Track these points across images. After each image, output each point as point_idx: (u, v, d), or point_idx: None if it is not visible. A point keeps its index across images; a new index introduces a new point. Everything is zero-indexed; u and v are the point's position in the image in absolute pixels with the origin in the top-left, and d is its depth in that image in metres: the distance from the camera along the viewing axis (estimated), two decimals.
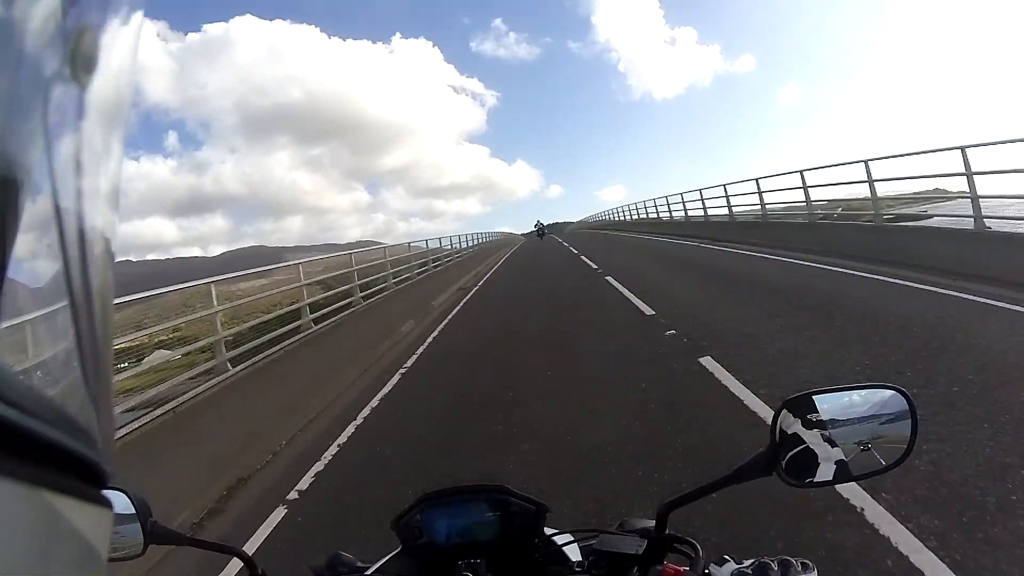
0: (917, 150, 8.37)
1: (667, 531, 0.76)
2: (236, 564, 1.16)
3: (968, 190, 6.91)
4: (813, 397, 0.71)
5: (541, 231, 47.42)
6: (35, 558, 0.23)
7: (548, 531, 0.82)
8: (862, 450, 0.70)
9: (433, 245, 17.47)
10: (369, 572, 0.83)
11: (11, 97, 0.23)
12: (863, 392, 0.73)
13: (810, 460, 0.69)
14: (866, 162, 8.73)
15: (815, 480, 0.70)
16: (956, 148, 6.86)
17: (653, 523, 0.78)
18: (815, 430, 0.70)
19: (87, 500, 0.27)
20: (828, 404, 0.71)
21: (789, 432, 0.70)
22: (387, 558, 0.84)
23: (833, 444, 0.69)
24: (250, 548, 2.91)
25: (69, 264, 0.26)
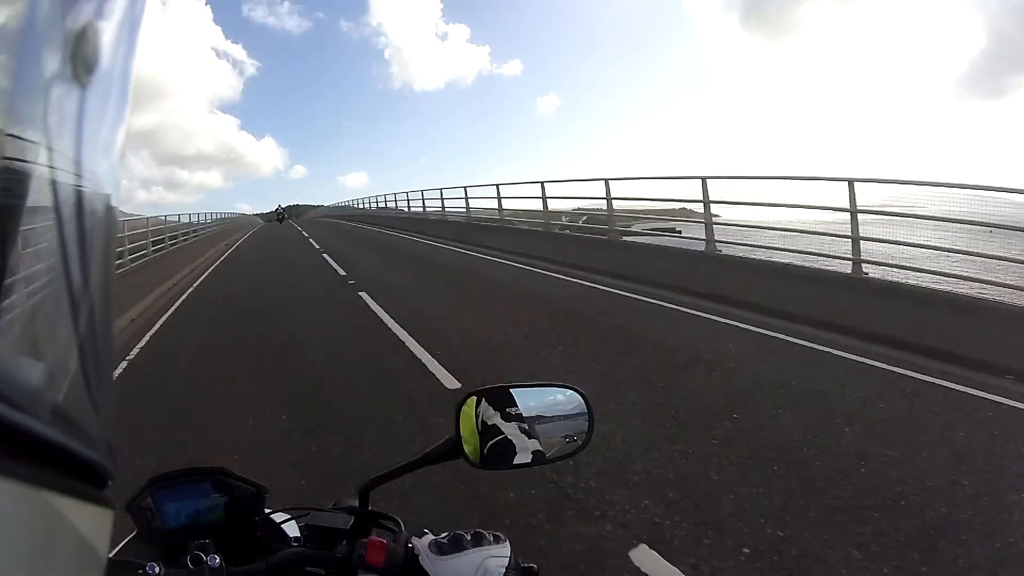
0: (663, 175, 9.86)
1: (370, 508, 0.84)
2: None
3: (703, 215, 7.86)
4: (511, 391, 0.80)
5: (281, 216, 47.35)
6: (35, 558, 0.23)
7: (268, 510, 0.85)
8: (563, 438, 0.81)
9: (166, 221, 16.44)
10: (110, 556, 0.83)
11: (11, 97, 0.23)
12: (551, 389, 0.84)
13: (508, 448, 0.78)
14: (607, 180, 9.63)
15: (513, 463, 0.79)
16: (698, 177, 7.88)
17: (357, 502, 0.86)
18: (513, 423, 0.79)
19: (87, 500, 0.28)
20: (523, 399, 0.80)
21: (490, 423, 0.79)
22: (123, 543, 0.85)
23: (530, 435, 0.79)
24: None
25: (69, 264, 0.26)
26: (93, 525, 0.28)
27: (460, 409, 0.79)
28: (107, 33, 0.27)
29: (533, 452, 0.79)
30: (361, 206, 34.48)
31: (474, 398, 0.80)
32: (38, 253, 0.25)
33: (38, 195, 0.24)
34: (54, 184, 0.25)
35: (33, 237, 0.24)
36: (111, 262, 0.31)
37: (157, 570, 0.75)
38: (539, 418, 0.80)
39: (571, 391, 0.83)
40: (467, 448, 0.79)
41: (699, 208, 7.92)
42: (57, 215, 0.25)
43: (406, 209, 22.19)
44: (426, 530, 0.79)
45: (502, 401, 0.80)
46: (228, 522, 0.80)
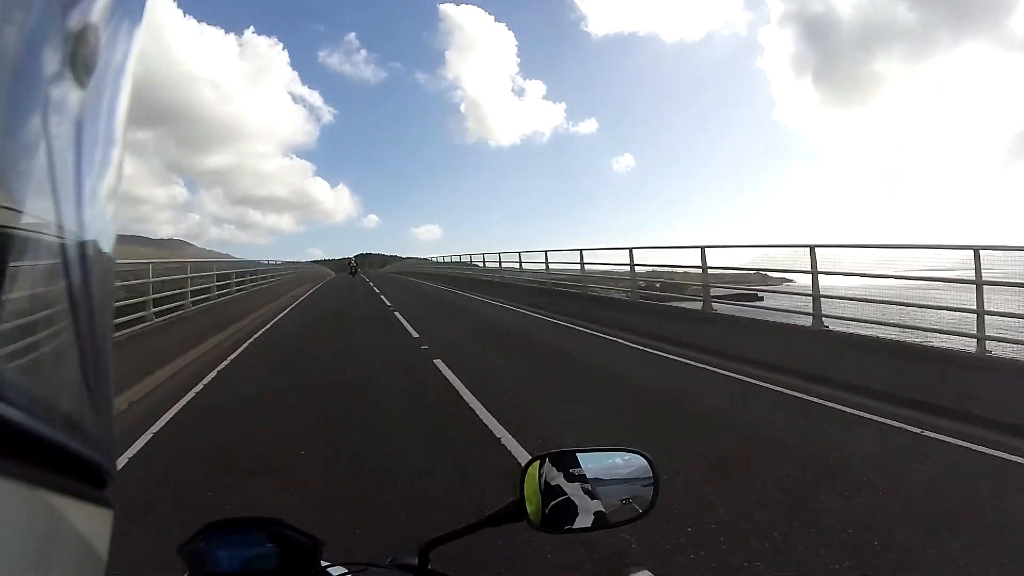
0: (744, 243, 9.75)
1: (429, 567, 0.84)
2: None
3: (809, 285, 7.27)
4: (577, 455, 0.81)
5: (353, 270, 49.04)
6: (35, 558, 0.24)
7: (324, 563, 0.85)
8: (622, 502, 0.80)
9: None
10: None
11: (11, 97, 0.23)
12: (618, 453, 0.84)
13: (569, 510, 0.78)
14: (702, 248, 9.19)
15: (573, 527, 0.79)
16: (805, 246, 7.26)
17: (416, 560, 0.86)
18: (576, 484, 0.79)
19: (87, 500, 0.28)
20: (588, 463, 0.80)
21: (553, 484, 0.79)
22: None
23: (593, 496, 0.78)
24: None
25: (69, 264, 0.26)
26: (93, 525, 0.28)
27: (525, 472, 0.80)
28: (107, 33, 0.27)
29: (595, 514, 0.78)
30: (438, 259, 35.44)
31: (538, 461, 0.81)
32: (39, 255, 0.25)
33: (37, 195, 0.24)
34: (54, 184, 0.25)
35: (32, 237, 0.25)
36: (111, 263, 0.32)
37: None
38: (603, 481, 0.80)
39: (637, 455, 0.84)
40: (529, 509, 0.79)
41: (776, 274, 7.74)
42: (57, 215, 0.25)
43: (480, 264, 22.39)
44: None
45: (567, 463, 0.80)
46: (281, 573, 0.80)
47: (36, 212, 0.24)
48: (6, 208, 0.23)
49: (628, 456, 0.84)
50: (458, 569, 0.89)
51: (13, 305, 0.24)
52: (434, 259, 37.90)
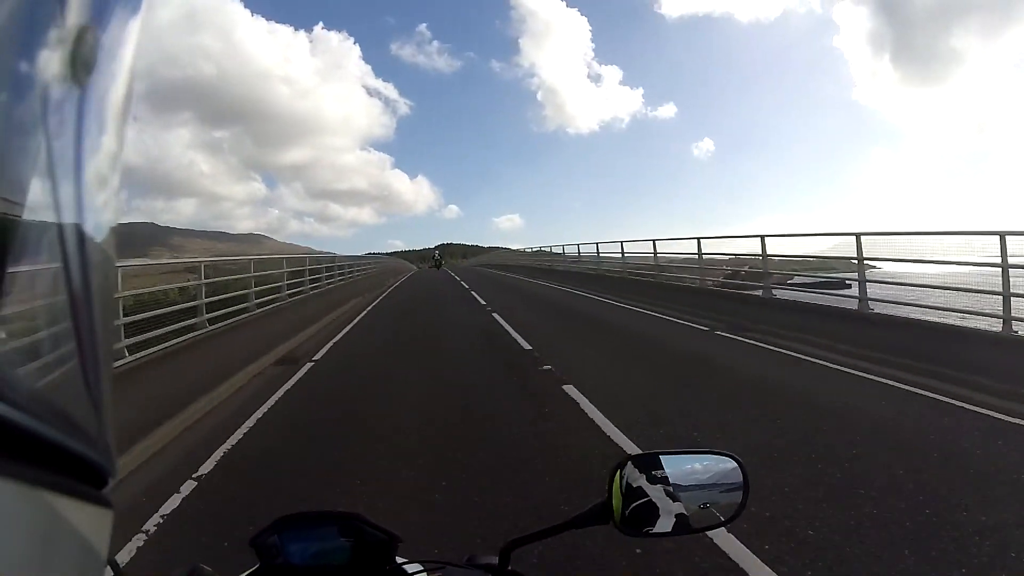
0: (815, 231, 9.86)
1: (509, 568, 0.83)
2: None
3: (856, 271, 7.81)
4: (660, 457, 0.79)
5: (438, 262, 50.47)
6: (35, 558, 0.23)
7: (399, 559, 0.85)
8: (701, 507, 0.78)
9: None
10: None
11: (11, 98, 0.23)
12: (705, 456, 0.82)
13: (651, 512, 0.77)
14: (762, 237, 9.84)
15: (653, 531, 0.77)
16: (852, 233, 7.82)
17: (496, 559, 0.84)
18: (659, 486, 0.77)
19: (87, 500, 0.28)
20: (672, 465, 0.79)
21: (635, 486, 0.78)
22: (245, 574, 0.84)
23: (675, 499, 0.77)
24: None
25: (69, 264, 0.26)
26: (93, 525, 0.28)
27: (613, 475, 0.79)
28: (107, 33, 0.28)
29: (677, 516, 0.76)
30: (521, 250, 35.41)
31: (624, 463, 0.79)
32: (39, 254, 0.25)
33: (38, 194, 0.24)
34: (54, 183, 0.25)
35: (32, 237, 0.25)
36: (111, 261, 0.31)
37: None
38: (687, 484, 0.78)
39: (727, 458, 0.81)
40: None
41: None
42: (57, 213, 0.25)
43: (576, 253, 21.56)
44: None
45: (650, 465, 0.78)
46: (355, 568, 0.80)
47: (36, 212, 0.24)
48: (6, 208, 0.23)
49: (717, 459, 0.82)
50: (539, 572, 0.86)
51: (13, 305, 0.24)
52: (517, 249, 38.86)
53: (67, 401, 0.27)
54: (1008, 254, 5.74)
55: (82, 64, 0.26)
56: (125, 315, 5.28)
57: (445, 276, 31.25)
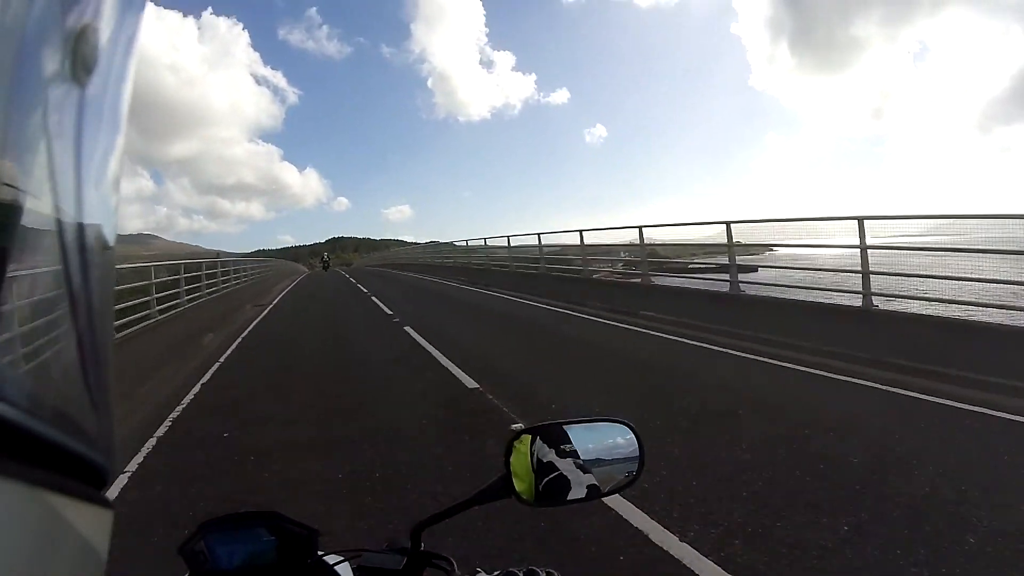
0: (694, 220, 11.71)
1: (422, 547, 0.85)
2: None
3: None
4: (563, 427, 0.82)
5: (325, 264, 53.37)
6: (35, 558, 0.24)
7: (320, 552, 0.86)
8: (607, 471, 0.83)
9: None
10: None
11: (11, 97, 0.23)
12: (603, 424, 0.86)
13: (563, 483, 0.80)
14: (640, 228, 10.80)
15: (568, 499, 0.80)
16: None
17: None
18: (568, 460, 0.81)
19: (87, 500, 0.28)
20: (574, 435, 0.82)
21: (545, 461, 0.81)
22: None
23: (585, 471, 0.81)
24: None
25: (69, 264, 0.27)
26: (93, 525, 0.28)
27: (511, 447, 0.81)
28: (107, 33, 0.28)
29: (588, 487, 0.81)
30: (414, 243, 34.32)
31: (528, 436, 0.82)
32: (38, 254, 0.25)
33: (37, 195, 0.24)
34: (53, 183, 0.25)
35: (32, 237, 0.25)
36: (111, 262, 0.32)
37: None
38: (592, 452, 0.82)
39: (622, 425, 0.86)
40: (520, 486, 0.80)
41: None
42: (57, 214, 0.26)
43: (477, 245, 20.73)
44: (479, 569, 0.84)
45: (556, 438, 0.81)
46: (281, 565, 0.81)
47: (36, 212, 0.25)
48: (5, 208, 0.23)
49: (614, 426, 0.86)
50: (448, 545, 0.91)
51: (13, 305, 0.24)
52: (411, 242, 38.25)
53: (67, 401, 0.28)
54: (867, 237, 6.54)
55: (82, 64, 0.26)
56: None
57: (340, 282, 26.98)
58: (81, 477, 0.28)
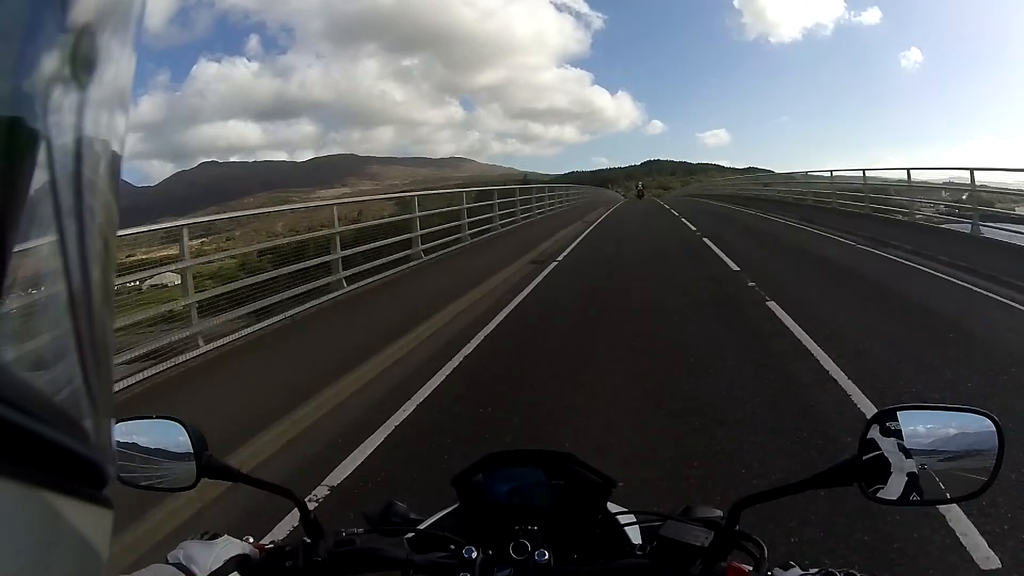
0: None
1: (737, 527, 0.76)
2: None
3: None
4: (898, 412, 0.72)
5: (640, 193, 54.34)
6: (35, 558, 0.24)
7: (612, 508, 0.82)
8: (943, 472, 0.70)
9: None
10: (423, 526, 0.87)
11: (11, 97, 0.23)
12: (955, 414, 0.73)
13: (886, 474, 0.70)
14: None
15: (882, 494, 0.71)
16: None
17: (720, 513, 0.81)
18: (893, 439, 0.70)
19: (87, 500, 0.28)
20: (917, 421, 0.72)
21: (868, 438, 0.71)
22: (443, 513, 0.86)
23: (912, 460, 0.70)
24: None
25: (69, 264, 0.27)
26: (93, 525, 0.29)
27: (866, 432, 0.72)
28: (107, 33, 0.28)
29: (908, 476, 0.70)
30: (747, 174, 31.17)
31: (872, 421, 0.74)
32: (38, 253, 0.26)
33: (37, 195, 0.25)
34: (54, 185, 0.25)
35: (32, 237, 0.25)
36: (111, 261, 0.32)
37: (475, 555, 0.73)
38: (927, 443, 0.71)
39: (980, 416, 0.71)
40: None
41: None
42: (57, 215, 0.26)
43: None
44: (792, 563, 0.76)
45: (889, 419, 0.72)
46: (563, 511, 0.78)
47: (36, 213, 0.25)
48: (5, 209, 0.23)
49: (967, 416, 0.72)
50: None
51: (13, 305, 0.24)
52: (729, 167, 34.45)
53: (67, 401, 0.28)
54: None
55: (82, 64, 0.26)
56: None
57: (652, 208, 27.02)
58: (81, 477, 0.28)
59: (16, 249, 0.23)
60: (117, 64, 0.29)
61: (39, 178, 0.25)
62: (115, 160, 0.30)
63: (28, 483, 0.23)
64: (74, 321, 0.27)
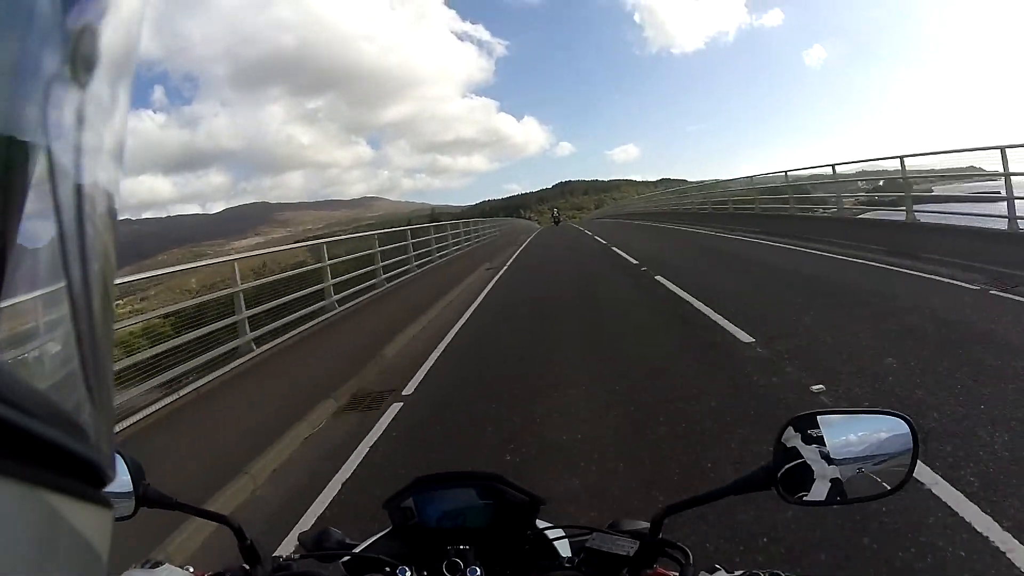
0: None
1: (661, 536, 0.79)
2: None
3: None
4: (818, 417, 0.75)
5: (555, 219, 55.30)
6: (35, 558, 0.24)
7: (541, 524, 0.83)
8: (859, 472, 0.73)
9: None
10: (358, 550, 0.86)
11: (11, 97, 0.23)
12: (868, 416, 0.77)
13: (806, 477, 0.73)
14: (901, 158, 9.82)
15: (807, 498, 0.73)
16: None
17: (647, 525, 0.81)
18: (814, 447, 0.73)
19: (87, 500, 0.28)
20: (832, 425, 0.74)
21: (788, 446, 0.74)
22: (376, 537, 0.86)
23: (831, 463, 0.73)
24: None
25: (69, 264, 0.27)
26: (93, 525, 0.29)
27: (780, 438, 0.75)
28: (107, 33, 0.28)
29: (831, 482, 0.72)
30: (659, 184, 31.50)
31: (787, 425, 0.76)
32: (38, 253, 0.26)
33: (38, 196, 0.24)
34: (54, 185, 0.25)
35: (32, 237, 0.25)
36: (112, 262, 0.31)
37: (408, 574, 0.75)
38: (846, 447, 0.73)
39: (895, 418, 0.74)
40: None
41: None
42: (57, 216, 0.26)
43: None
44: (718, 566, 0.77)
45: (808, 425, 0.74)
46: (494, 530, 0.79)
47: (36, 213, 0.25)
48: (5, 209, 0.23)
49: (882, 419, 0.76)
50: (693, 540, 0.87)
51: (12, 305, 0.24)
52: (640, 181, 35.29)
53: (67, 401, 0.28)
54: None
55: (82, 64, 0.26)
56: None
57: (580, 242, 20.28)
58: (81, 476, 0.28)
59: (16, 250, 0.23)
60: (117, 64, 0.29)
61: (39, 177, 0.24)
62: (115, 158, 0.30)
63: (28, 483, 0.23)
64: (74, 320, 0.27)
